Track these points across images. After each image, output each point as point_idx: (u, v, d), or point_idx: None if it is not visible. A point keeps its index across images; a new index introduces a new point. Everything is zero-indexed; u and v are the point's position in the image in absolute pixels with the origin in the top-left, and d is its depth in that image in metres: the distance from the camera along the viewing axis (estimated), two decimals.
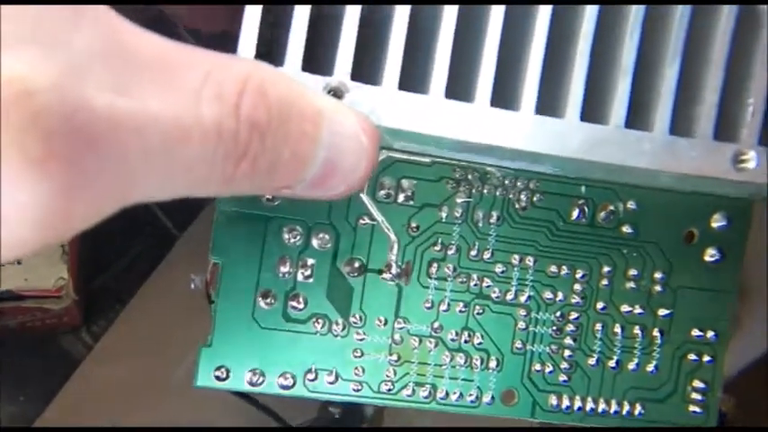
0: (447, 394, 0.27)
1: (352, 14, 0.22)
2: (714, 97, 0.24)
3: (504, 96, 0.23)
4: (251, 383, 0.25)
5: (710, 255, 0.28)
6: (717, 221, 0.28)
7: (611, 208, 0.27)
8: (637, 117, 0.24)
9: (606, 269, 0.27)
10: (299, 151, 0.19)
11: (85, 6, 0.17)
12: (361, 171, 0.21)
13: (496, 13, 0.23)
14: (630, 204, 0.27)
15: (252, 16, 0.22)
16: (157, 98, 0.17)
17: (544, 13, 0.24)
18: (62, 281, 0.30)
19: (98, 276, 0.35)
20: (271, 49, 0.22)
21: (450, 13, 0.23)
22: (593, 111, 0.24)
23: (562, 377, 0.27)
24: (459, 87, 0.23)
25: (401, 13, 0.23)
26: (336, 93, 0.22)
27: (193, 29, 0.31)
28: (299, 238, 0.25)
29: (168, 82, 0.17)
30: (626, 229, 0.27)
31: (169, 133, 0.17)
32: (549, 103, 0.24)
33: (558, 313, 0.27)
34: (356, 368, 0.26)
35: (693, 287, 0.28)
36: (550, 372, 0.27)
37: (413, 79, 0.23)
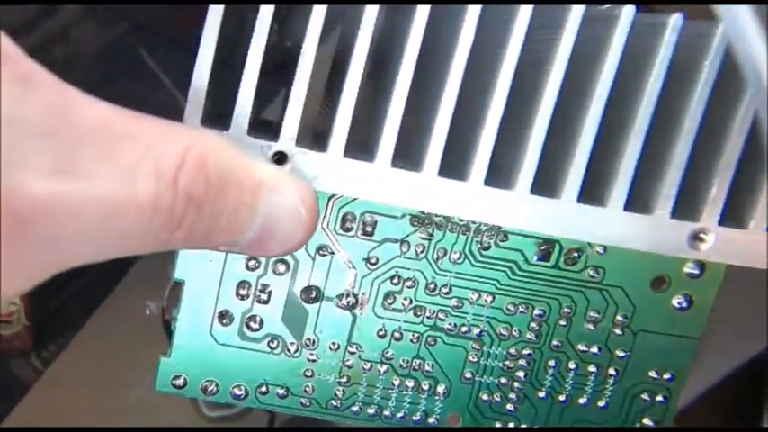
0: (393, 414, 0.29)
1: (300, 80, 0.23)
2: (677, 174, 0.25)
3: (454, 166, 0.24)
4: (205, 392, 0.28)
5: (678, 301, 0.29)
6: (689, 268, 0.28)
7: (578, 253, 0.28)
8: (591, 190, 0.25)
9: (566, 309, 0.29)
10: (236, 220, 0.21)
11: (34, 74, 0.18)
12: (296, 239, 0.22)
13: (452, 81, 0.24)
14: (598, 249, 0.28)
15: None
16: (96, 175, 0.19)
17: (502, 81, 0.24)
18: (13, 306, 0.32)
19: (50, 302, 0.37)
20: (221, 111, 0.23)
21: (403, 79, 0.23)
22: (546, 183, 0.24)
23: (509, 407, 0.29)
24: (408, 156, 0.24)
25: (351, 80, 0.23)
26: (281, 158, 0.23)
27: (176, 33, 0.32)
28: (258, 264, 0.27)
29: (108, 157, 0.19)
30: (591, 272, 0.28)
31: (104, 210, 0.19)
32: (499, 174, 0.24)
33: (513, 349, 0.29)
34: (306, 386, 0.28)
35: (655, 332, 0.29)
36: (497, 402, 0.29)
37: (360, 147, 0.24)
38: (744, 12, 0.19)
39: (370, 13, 0.23)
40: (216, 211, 0.21)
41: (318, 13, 0.23)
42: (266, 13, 0.23)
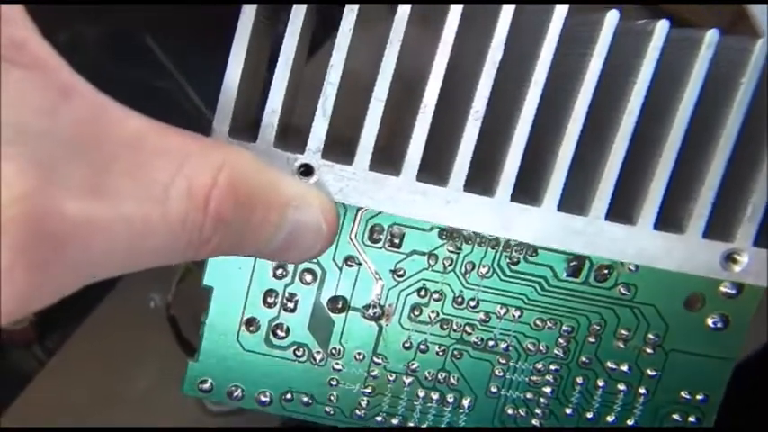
0: (417, 426, 0.29)
1: (327, 93, 0.23)
2: (710, 193, 0.24)
3: (481, 181, 0.24)
4: (231, 397, 0.28)
5: (713, 321, 0.28)
6: (726, 287, 0.28)
7: (608, 270, 0.28)
8: (622, 207, 0.25)
9: (595, 326, 0.28)
10: (261, 236, 0.22)
11: (73, 86, 0.18)
12: (314, 252, 0.24)
13: (481, 96, 0.24)
14: (630, 266, 0.28)
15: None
16: (127, 194, 0.19)
17: (531, 94, 0.24)
18: None
19: None
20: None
21: (431, 94, 0.24)
22: (575, 199, 0.24)
23: (535, 422, 0.29)
24: (434, 170, 0.24)
25: (378, 95, 0.23)
26: (306, 170, 0.24)
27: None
28: (286, 273, 0.27)
29: (140, 174, 0.19)
30: (622, 289, 0.28)
31: (135, 230, 0.19)
32: (526, 190, 0.24)
33: (540, 364, 0.29)
34: (331, 395, 0.29)
35: (688, 351, 0.29)
36: (523, 416, 0.29)
37: (387, 160, 0.24)
38: None
39: (400, 24, 0.24)
40: (243, 228, 0.21)
41: (349, 19, 0.23)
42: (294, 28, 0.23)
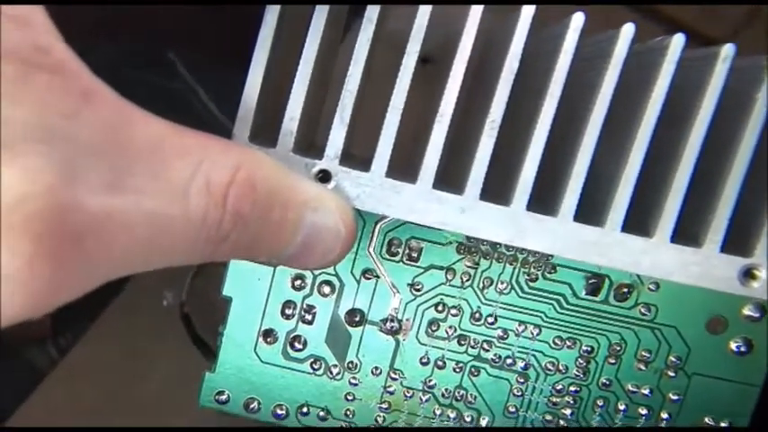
0: None
1: (346, 101, 0.24)
2: (727, 207, 0.25)
3: (497, 190, 0.25)
4: (247, 409, 0.29)
5: (736, 345, 0.29)
6: (749, 310, 0.28)
7: (628, 288, 0.28)
8: (640, 220, 0.25)
9: (615, 347, 0.29)
10: (279, 237, 0.23)
11: (95, 90, 0.20)
12: (333, 256, 0.24)
13: (498, 104, 0.24)
14: (651, 285, 0.28)
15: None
16: (148, 191, 0.20)
17: (548, 105, 0.24)
18: None
19: None
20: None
21: (447, 103, 0.24)
22: (591, 210, 0.25)
23: None
24: (450, 178, 0.25)
25: (395, 103, 0.24)
26: (324, 176, 0.25)
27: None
28: (304, 285, 0.28)
29: (161, 173, 0.20)
30: (642, 309, 0.28)
31: (156, 225, 0.20)
32: (543, 201, 0.25)
33: (559, 385, 0.29)
34: (347, 410, 0.29)
35: (711, 376, 0.29)
36: None
37: (404, 167, 0.25)
38: None
39: (418, 32, 0.25)
40: (261, 228, 0.22)
41: (368, 30, 0.25)
42: (316, 31, 0.25)
